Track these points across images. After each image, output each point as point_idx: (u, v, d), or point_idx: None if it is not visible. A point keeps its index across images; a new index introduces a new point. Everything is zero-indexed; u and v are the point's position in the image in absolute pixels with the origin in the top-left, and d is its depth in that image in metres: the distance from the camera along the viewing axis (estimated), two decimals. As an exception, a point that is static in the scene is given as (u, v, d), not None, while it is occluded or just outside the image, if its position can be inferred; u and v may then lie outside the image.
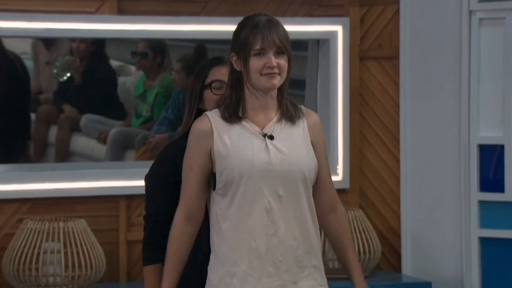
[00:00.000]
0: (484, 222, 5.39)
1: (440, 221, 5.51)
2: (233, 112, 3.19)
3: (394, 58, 5.66)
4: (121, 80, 6.56)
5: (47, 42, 6.43)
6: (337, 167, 5.62)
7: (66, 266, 4.92)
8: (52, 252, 4.92)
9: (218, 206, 3.20)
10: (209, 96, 3.56)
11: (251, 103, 3.20)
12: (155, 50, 6.31)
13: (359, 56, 5.70)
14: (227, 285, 3.16)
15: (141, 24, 5.37)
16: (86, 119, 6.36)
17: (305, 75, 5.76)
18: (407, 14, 5.60)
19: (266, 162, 3.14)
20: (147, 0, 5.40)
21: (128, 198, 5.30)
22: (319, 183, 3.28)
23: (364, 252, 5.34)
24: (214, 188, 3.20)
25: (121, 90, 6.52)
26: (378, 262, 5.50)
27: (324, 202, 3.30)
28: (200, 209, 3.22)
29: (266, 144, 3.16)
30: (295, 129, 3.22)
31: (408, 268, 5.59)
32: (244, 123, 3.18)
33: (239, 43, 3.16)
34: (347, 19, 5.65)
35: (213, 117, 3.20)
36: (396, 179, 5.66)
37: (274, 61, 3.13)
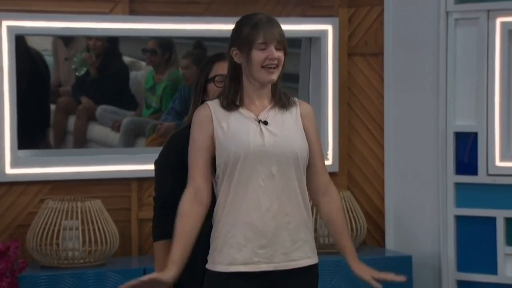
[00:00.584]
0: (460, 202, 5.39)
1: (420, 201, 5.52)
2: (231, 101, 3.22)
3: (379, 54, 5.66)
4: (132, 74, 6.54)
5: (66, 40, 6.41)
6: (327, 152, 5.62)
7: (84, 241, 4.93)
8: (71, 229, 4.93)
9: (219, 186, 3.21)
10: (213, 88, 3.58)
11: (248, 93, 3.23)
12: (163, 48, 6.29)
13: (347, 52, 5.69)
14: (225, 254, 3.19)
15: (150, 24, 5.38)
16: (101, 109, 6.35)
17: (298, 70, 5.75)
18: (391, 15, 5.59)
19: (260, 144, 3.17)
20: (156, 2, 5.39)
21: (139, 180, 5.31)
22: (312, 168, 3.30)
23: (352, 229, 5.34)
24: (215, 171, 3.23)
25: (132, 84, 6.50)
26: (364, 238, 5.52)
27: (317, 185, 3.32)
28: (207, 190, 3.22)
29: (261, 129, 3.19)
30: (287, 115, 3.25)
31: (391, 244, 5.60)
32: (240, 110, 3.21)
33: (242, 38, 3.18)
34: (336, 19, 5.64)
35: (212, 105, 3.24)
36: (381, 163, 5.68)
37: (275, 53, 3.17)
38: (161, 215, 3.59)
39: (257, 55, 3.16)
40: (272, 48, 3.16)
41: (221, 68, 3.56)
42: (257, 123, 3.20)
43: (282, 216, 3.19)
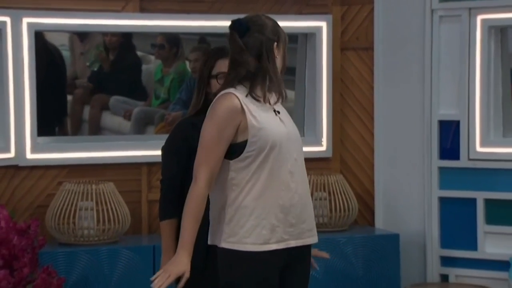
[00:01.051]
0: (443, 185, 5.41)
1: (407, 184, 5.54)
2: (262, 92, 3.17)
3: (369, 49, 5.65)
4: (143, 67, 6.55)
5: (81, 35, 6.39)
6: (322, 139, 5.63)
7: (98, 221, 4.94)
8: (86, 209, 4.93)
9: (241, 172, 3.16)
10: (215, 84, 3.58)
11: (263, 83, 3.18)
12: (170, 43, 6.27)
13: (340, 47, 5.69)
14: (258, 235, 3.16)
15: (159, 21, 5.39)
16: (114, 100, 6.34)
17: (295, 63, 5.74)
18: (380, 12, 5.59)
19: (286, 132, 3.20)
20: (164, 1, 5.39)
21: (149, 165, 5.32)
22: None
23: (344, 210, 5.36)
24: (233, 158, 3.16)
25: (143, 76, 6.52)
26: (355, 218, 5.53)
27: None
28: (216, 175, 3.19)
29: (280, 119, 3.22)
30: (282, 106, 3.30)
31: (380, 223, 5.61)
32: (261, 101, 3.19)
33: (282, 37, 3.23)
34: (330, 16, 5.63)
35: (239, 94, 3.17)
36: (371, 149, 5.69)
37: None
38: (166, 197, 3.60)
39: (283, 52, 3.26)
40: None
41: (224, 66, 3.52)
42: (274, 113, 3.22)
43: (305, 197, 3.24)
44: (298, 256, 3.26)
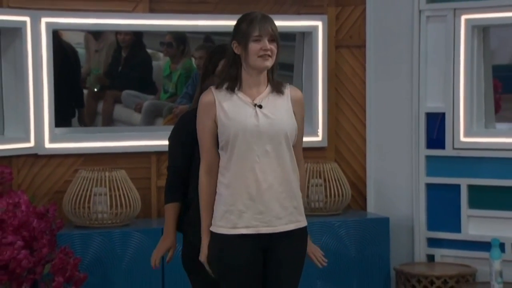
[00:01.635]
0: (430, 172, 5.39)
1: (396, 171, 5.52)
2: (231, 87, 3.22)
3: (362, 46, 5.62)
4: (152, 64, 6.56)
5: (95, 34, 6.41)
6: (318, 130, 5.61)
7: (111, 205, 4.93)
8: (100, 195, 4.93)
9: (222, 160, 3.23)
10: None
11: (246, 80, 3.22)
12: (178, 41, 6.28)
13: (335, 45, 5.67)
14: (227, 219, 3.21)
15: (167, 20, 5.36)
16: (125, 93, 6.36)
17: (293, 60, 5.72)
18: (372, 13, 5.57)
19: (255, 125, 3.18)
20: (172, 2, 5.37)
21: (158, 154, 5.29)
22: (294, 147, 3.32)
23: (338, 195, 5.35)
24: (218, 147, 3.24)
25: (153, 72, 6.53)
26: (349, 203, 5.52)
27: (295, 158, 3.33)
28: (217, 162, 3.23)
29: (256, 112, 3.19)
30: (280, 99, 3.25)
31: (372, 207, 5.59)
32: (239, 95, 3.21)
33: (241, 32, 3.19)
34: (325, 17, 5.62)
35: (215, 90, 3.23)
36: (363, 139, 5.66)
37: (268, 45, 3.18)
38: (172, 182, 3.61)
39: (253, 47, 3.17)
40: (265, 40, 3.17)
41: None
42: (253, 106, 3.20)
43: (276, 187, 3.21)
44: (279, 241, 3.24)
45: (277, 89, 3.26)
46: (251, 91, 3.24)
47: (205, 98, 3.25)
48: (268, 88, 3.25)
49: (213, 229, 3.26)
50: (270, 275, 3.26)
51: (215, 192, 3.26)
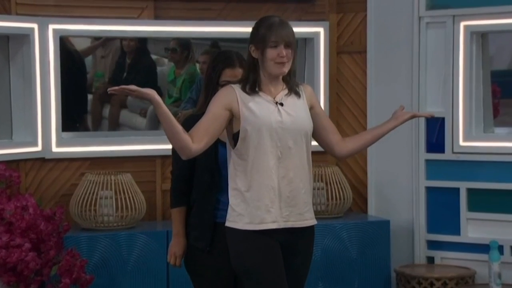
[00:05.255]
0: (429, 176, 5.40)
1: (397, 175, 5.52)
2: (252, 88, 3.23)
3: (362, 52, 5.64)
4: (157, 69, 6.57)
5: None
6: (320, 134, 5.65)
7: (117, 208, 4.95)
8: (106, 198, 4.94)
9: (239, 158, 3.19)
10: None
11: (265, 82, 3.24)
12: (182, 47, 6.27)
13: (336, 51, 5.68)
14: (253, 215, 3.19)
15: (171, 27, 5.39)
16: (131, 99, 6.36)
17: (295, 65, 5.67)
18: (372, 19, 5.58)
19: (279, 121, 3.20)
20: (176, 8, 5.39)
21: (163, 158, 5.31)
22: (328, 129, 3.35)
23: (340, 199, 5.36)
24: (234, 146, 3.20)
25: (157, 77, 6.53)
26: (350, 206, 5.53)
27: (336, 139, 3.37)
28: (196, 143, 3.13)
29: (278, 109, 3.21)
30: (298, 99, 3.28)
31: (373, 210, 5.60)
32: (260, 94, 3.23)
33: (259, 37, 3.21)
34: (327, 23, 5.64)
35: (236, 88, 3.24)
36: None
37: (284, 51, 3.19)
38: (176, 187, 3.61)
39: (270, 53, 3.19)
40: (281, 46, 3.18)
41: (230, 75, 3.55)
42: (275, 104, 3.22)
43: (297, 182, 3.23)
44: (299, 236, 3.26)
45: (294, 90, 3.29)
46: (270, 90, 3.25)
47: (226, 89, 3.23)
48: (287, 88, 3.27)
49: (238, 226, 3.22)
50: (290, 269, 3.26)
51: (185, 139, 3.13)
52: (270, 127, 3.18)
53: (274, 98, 3.23)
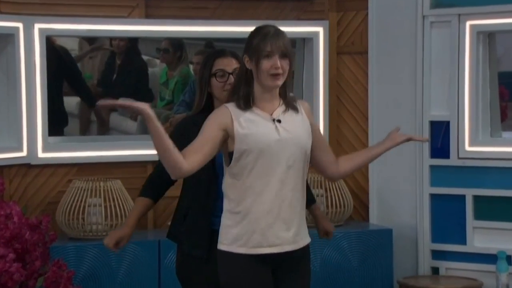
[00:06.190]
0: (434, 182, 5.39)
1: (400, 181, 5.52)
2: (246, 102, 3.19)
3: (364, 53, 5.63)
4: (149, 71, 6.58)
5: (90, 40, 6.44)
6: (319, 139, 5.65)
7: (106, 216, 4.93)
8: (94, 206, 4.92)
9: (237, 178, 3.17)
10: (215, 83, 3.61)
11: (259, 95, 3.20)
12: (175, 47, 6.30)
13: (336, 51, 5.68)
14: (248, 239, 3.17)
15: (164, 26, 5.37)
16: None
17: (293, 67, 5.71)
18: (374, 18, 5.58)
19: (277, 140, 3.16)
20: (169, 7, 5.37)
21: (154, 163, 5.06)
22: (322, 149, 3.33)
23: (340, 206, 5.35)
24: (229, 164, 3.18)
25: (149, 79, 6.54)
26: (350, 214, 5.52)
27: (330, 160, 3.35)
28: (191, 159, 3.10)
29: (276, 126, 3.18)
30: (296, 115, 3.25)
31: (374, 218, 5.60)
32: (255, 110, 3.19)
33: (253, 48, 3.17)
34: (326, 22, 5.64)
35: (230, 106, 3.21)
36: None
37: (279, 62, 3.15)
38: (154, 178, 3.67)
39: (264, 64, 3.15)
40: (276, 57, 3.15)
41: (222, 64, 3.60)
42: (272, 121, 3.19)
43: (295, 203, 3.22)
44: (295, 257, 3.25)
45: (292, 106, 3.26)
46: (265, 106, 3.22)
47: (219, 110, 3.22)
48: (284, 103, 3.25)
49: (231, 249, 3.21)
50: None
51: (176, 155, 3.09)
52: (267, 146, 3.15)
53: (271, 115, 3.21)
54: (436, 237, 5.43)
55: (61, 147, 5.22)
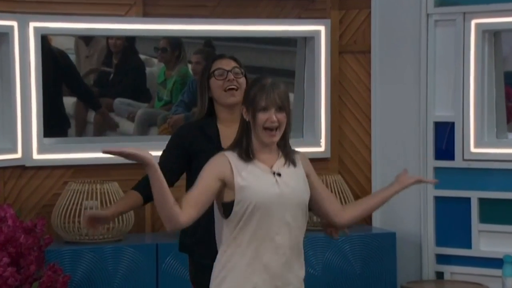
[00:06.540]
0: (438, 184, 5.31)
1: (403, 184, 5.56)
2: (246, 153, 3.17)
3: (366, 52, 5.64)
4: (146, 70, 6.58)
5: (86, 39, 6.44)
6: (320, 140, 5.62)
7: (103, 219, 4.99)
8: (91, 208, 4.85)
9: (234, 229, 3.14)
10: (214, 82, 3.62)
11: (258, 146, 3.18)
12: (173, 46, 6.30)
13: (338, 50, 5.68)
14: None
15: (162, 25, 5.37)
16: (118, 102, 6.37)
17: (294, 66, 5.72)
18: (377, 17, 5.58)
19: (278, 194, 3.13)
20: (167, 5, 5.37)
21: None
22: (326, 199, 3.31)
23: (342, 209, 5.40)
24: (227, 216, 3.15)
25: (146, 79, 6.54)
26: (353, 217, 5.56)
27: (336, 208, 3.33)
28: (185, 213, 3.06)
29: (276, 180, 3.15)
30: (295, 168, 3.22)
31: (377, 222, 5.59)
32: (255, 162, 3.17)
33: (249, 100, 3.16)
34: (328, 21, 5.63)
35: (229, 156, 3.18)
36: (368, 150, 5.67)
37: (274, 116, 3.13)
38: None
39: (260, 117, 3.13)
40: (272, 111, 3.14)
41: (220, 64, 3.62)
42: (273, 175, 3.17)
43: (292, 259, 3.18)
44: None
45: (291, 159, 3.24)
46: (264, 157, 3.20)
47: (219, 157, 3.18)
48: (282, 157, 3.23)
49: None
50: None
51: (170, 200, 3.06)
52: (268, 201, 3.12)
53: (271, 168, 3.19)
54: (441, 240, 5.43)
55: (57, 149, 5.21)
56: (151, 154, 3.03)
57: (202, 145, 3.58)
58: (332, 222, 3.36)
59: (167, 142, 3.70)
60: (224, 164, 3.15)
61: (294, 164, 3.23)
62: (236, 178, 3.12)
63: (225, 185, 3.14)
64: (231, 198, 3.13)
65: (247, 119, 3.18)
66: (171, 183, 3.46)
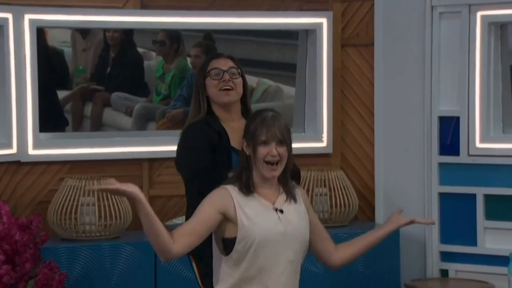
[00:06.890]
0: (443, 180, 5.39)
1: (407, 180, 5.51)
2: (247, 188, 3.16)
3: (369, 45, 5.63)
4: (144, 64, 6.58)
5: (83, 32, 6.43)
6: (322, 135, 5.61)
7: (100, 216, 4.93)
8: (88, 205, 4.92)
9: (235, 266, 3.13)
10: (210, 82, 3.63)
11: (258, 181, 3.18)
12: (172, 39, 6.30)
13: (340, 43, 5.67)
14: None
15: (160, 17, 5.36)
16: (115, 96, 6.37)
17: (296, 59, 5.72)
18: (380, 9, 5.57)
19: (281, 232, 3.14)
20: (165, -3, 5.42)
21: (150, 161, 5.29)
22: (322, 236, 3.31)
23: (344, 206, 5.35)
24: (227, 253, 3.14)
25: (144, 72, 6.54)
26: (356, 214, 5.52)
27: (330, 246, 3.33)
28: (182, 242, 3.05)
29: (279, 217, 3.15)
30: (295, 205, 3.22)
31: (381, 218, 5.58)
32: (257, 197, 3.17)
33: (250, 133, 3.16)
34: (330, 13, 5.62)
35: (231, 190, 3.17)
36: (371, 145, 5.67)
37: (275, 150, 3.13)
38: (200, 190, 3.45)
39: (260, 151, 3.13)
40: (273, 145, 3.14)
41: (217, 63, 3.63)
42: (274, 211, 3.17)
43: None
44: None
45: (292, 195, 3.24)
46: (265, 192, 3.20)
47: (221, 191, 3.17)
48: (283, 193, 3.23)
49: None
50: None
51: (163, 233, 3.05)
52: (272, 239, 3.12)
53: (273, 204, 3.19)
54: (445, 238, 5.42)
55: (53, 144, 5.20)
56: (139, 189, 3.02)
57: (216, 141, 3.59)
58: (327, 262, 3.35)
59: (183, 143, 3.64)
60: (226, 198, 3.14)
61: (295, 200, 3.23)
62: (239, 214, 3.12)
63: (226, 219, 3.13)
64: (233, 235, 3.12)
65: (247, 153, 3.17)
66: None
